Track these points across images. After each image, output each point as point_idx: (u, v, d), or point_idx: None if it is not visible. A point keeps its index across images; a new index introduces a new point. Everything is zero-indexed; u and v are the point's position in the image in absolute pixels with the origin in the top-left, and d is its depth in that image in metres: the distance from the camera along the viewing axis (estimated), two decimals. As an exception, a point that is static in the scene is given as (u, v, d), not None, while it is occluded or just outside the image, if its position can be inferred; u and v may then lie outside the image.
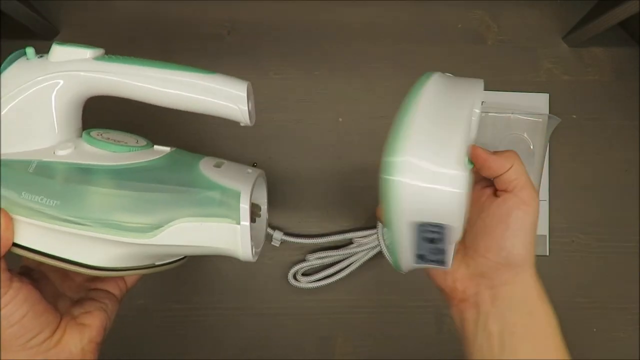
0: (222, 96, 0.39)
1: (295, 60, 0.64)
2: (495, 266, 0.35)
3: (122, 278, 0.43)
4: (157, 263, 0.40)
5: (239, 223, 0.37)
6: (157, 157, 0.39)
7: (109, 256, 0.36)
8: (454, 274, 0.37)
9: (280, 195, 0.63)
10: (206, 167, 0.40)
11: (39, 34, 0.60)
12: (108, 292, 0.41)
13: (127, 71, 0.38)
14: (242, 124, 0.40)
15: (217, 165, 0.40)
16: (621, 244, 0.64)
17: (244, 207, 0.37)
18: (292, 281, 0.61)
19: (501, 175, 0.34)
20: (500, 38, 0.65)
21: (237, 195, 0.37)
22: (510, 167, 0.34)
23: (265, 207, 0.46)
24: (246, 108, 0.39)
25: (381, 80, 0.64)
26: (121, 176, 0.36)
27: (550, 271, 0.63)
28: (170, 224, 0.36)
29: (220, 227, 0.37)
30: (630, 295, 0.64)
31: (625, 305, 0.64)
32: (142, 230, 0.35)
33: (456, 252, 0.36)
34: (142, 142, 0.41)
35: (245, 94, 0.39)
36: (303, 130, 0.64)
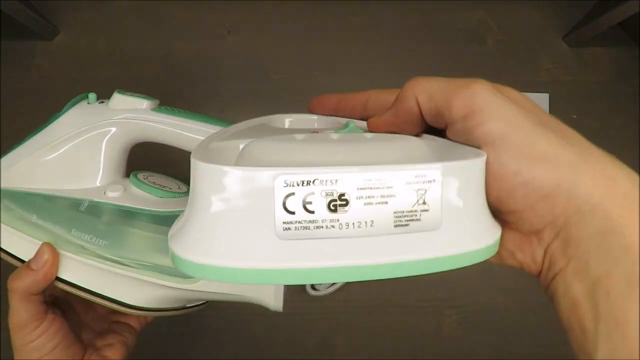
0: None
1: (295, 60, 0.64)
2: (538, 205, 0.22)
3: None
4: (187, 305, 0.41)
5: None
6: None
7: (148, 297, 0.37)
8: (518, 248, 0.25)
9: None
10: None
11: (39, 34, 0.60)
12: (129, 325, 0.42)
13: (179, 123, 0.39)
14: None
15: None
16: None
17: None
18: (311, 291, 0.62)
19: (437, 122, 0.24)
20: (500, 38, 0.65)
21: None
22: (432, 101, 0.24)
23: None
24: None
25: (381, 80, 0.64)
26: (168, 222, 0.37)
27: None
28: None
29: None
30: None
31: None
32: (185, 276, 0.36)
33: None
34: (184, 188, 0.43)
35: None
36: (303, 130, 0.64)
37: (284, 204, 0.20)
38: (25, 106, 0.64)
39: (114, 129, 0.39)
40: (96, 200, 0.37)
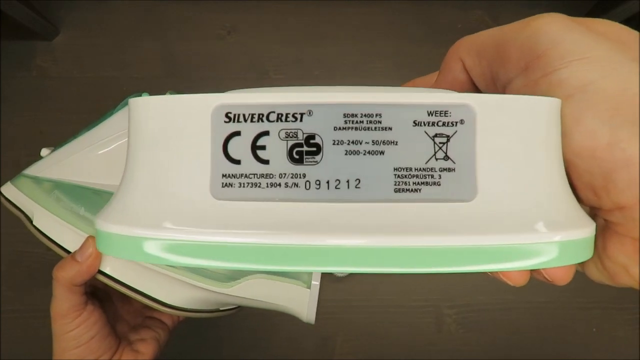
0: None
1: (295, 60, 0.64)
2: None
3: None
4: (221, 309, 0.42)
5: (309, 287, 0.38)
6: None
7: (184, 297, 0.38)
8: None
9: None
10: None
11: (39, 34, 0.60)
12: (162, 322, 0.42)
13: None
14: None
15: None
16: (621, 244, 0.64)
17: (316, 280, 0.38)
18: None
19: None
20: (500, 38, 0.65)
21: None
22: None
23: None
24: None
25: (381, 80, 0.64)
26: None
27: (550, 271, 0.63)
28: (247, 277, 0.37)
29: (290, 289, 0.38)
30: (630, 295, 0.64)
31: (625, 305, 0.64)
32: (221, 279, 0.37)
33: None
34: None
35: None
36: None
37: (224, 148, 0.14)
38: (25, 106, 0.64)
39: None
40: None
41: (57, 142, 0.40)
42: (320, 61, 0.65)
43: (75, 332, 0.34)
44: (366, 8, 0.65)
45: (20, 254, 0.60)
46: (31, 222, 0.37)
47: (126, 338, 0.39)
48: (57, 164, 0.38)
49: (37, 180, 0.37)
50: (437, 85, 0.20)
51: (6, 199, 0.38)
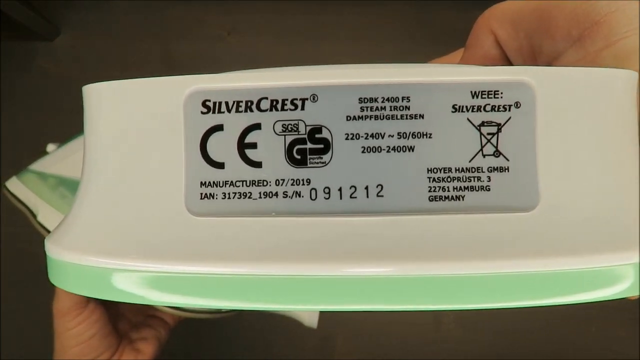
0: None
1: (295, 61, 0.64)
2: None
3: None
4: (222, 310, 0.41)
5: None
6: None
7: None
8: None
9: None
10: None
11: (39, 34, 0.61)
12: (164, 321, 0.43)
13: None
14: None
15: None
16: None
17: None
18: None
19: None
20: (500, 38, 0.65)
21: None
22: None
23: None
24: None
25: (381, 80, 0.64)
26: None
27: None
28: None
29: None
30: (630, 295, 0.63)
31: (625, 305, 0.64)
32: None
33: None
34: None
35: None
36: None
37: (202, 147, 0.10)
38: (26, 106, 0.64)
39: None
40: None
41: (57, 143, 0.40)
42: (320, 61, 0.64)
43: (76, 330, 0.34)
44: (366, 8, 0.65)
45: (21, 252, 0.60)
46: (36, 218, 0.37)
47: (127, 336, 0.38)
48: (63, 160, 0.38)
49: (42, 176, 0.37)
50: (464, 63, 0.16)
51: (11, 193, 0.37)
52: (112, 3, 0.64)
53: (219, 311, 0.42)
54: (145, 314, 0.42)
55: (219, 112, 0.10)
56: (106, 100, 0.12)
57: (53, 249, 0.12)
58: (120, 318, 0.40)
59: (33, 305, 0.62)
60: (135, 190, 0.11)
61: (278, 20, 0.64)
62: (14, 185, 0.38)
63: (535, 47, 0.14)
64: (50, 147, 0.39)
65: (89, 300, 0.35)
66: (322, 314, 0.63)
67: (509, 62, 0.16)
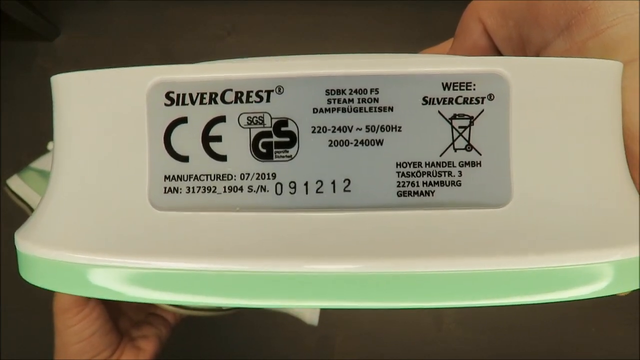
0: None
1: (295, 61, 0.64)
2: None
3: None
4: (223, 308, 0.41)
5: None
6: None
7: None
8: None
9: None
10: None
11: (39, 34, 0.61)
12: (165, 319, 0.43)
13: None
14: None
15: None
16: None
17: None
18: None
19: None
20: (500, 38, 0.65)
21: None
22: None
23: None
24: None
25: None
26: None
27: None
28: None
29: None
30: (630, 295, 0.63)
31: (625, 305, 0.64)
32: None
33: None
34: None
35: None
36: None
37: (165, 140, 0.10)
38: (26, 106, 0.64)
39: None
40: None
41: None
42: (320, 61, 0.65)
43: (76, 328, 0.34)
44: (366, 8, 0.65)
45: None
46: None
47: (128, 334, 0.39)
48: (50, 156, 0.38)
49: (43, 174, 0.37)
50: (452, 53, 0.16)
51: (12, 191, 0.37)
52: (112, 3, 0.64)
53: (219, 309, 0.42)
54: (146, 312, 0.42)
55: (183, 104, 0.10)
56: (72, 91, 0.12)
57: (22, 243, 0.12)
58: (121, 316, 0.40)
59: (33, 305, 0.62)
60: (100, 184, 0.11)
61: (278, 20, 0.64)
62: (15, 182, 0.38)
63: (524, 37, 0.14)
64: (51, 145, 0.39)
65: (89, 297, 0.35)
66: (322, 313, 0.63)
67: (498, 52, 0.15)
